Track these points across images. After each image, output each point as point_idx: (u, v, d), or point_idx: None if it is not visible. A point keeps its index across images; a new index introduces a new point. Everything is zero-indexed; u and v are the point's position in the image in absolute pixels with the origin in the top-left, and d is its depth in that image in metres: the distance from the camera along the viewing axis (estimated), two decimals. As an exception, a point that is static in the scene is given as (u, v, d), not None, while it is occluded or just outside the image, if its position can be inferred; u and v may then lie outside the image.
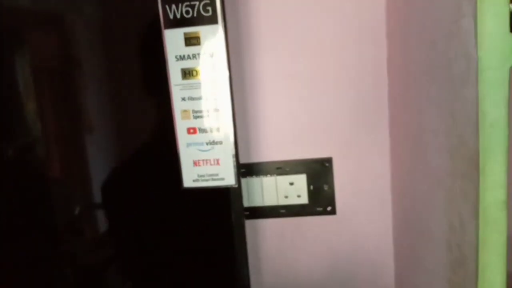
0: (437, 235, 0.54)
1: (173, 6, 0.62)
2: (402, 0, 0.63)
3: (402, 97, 0.68)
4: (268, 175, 0.81)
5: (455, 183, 0.47)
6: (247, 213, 0.82)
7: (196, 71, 0.63)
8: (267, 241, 0.83)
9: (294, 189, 0.81)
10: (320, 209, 0.81)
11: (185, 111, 0.65)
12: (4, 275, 0.75)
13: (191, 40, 0.63)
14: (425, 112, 0.55)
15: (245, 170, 0.81)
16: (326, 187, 0.80)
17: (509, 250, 0.73)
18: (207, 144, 0.65)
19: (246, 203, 0.82)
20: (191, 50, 0.63)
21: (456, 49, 0.43)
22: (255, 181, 0.81)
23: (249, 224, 0.82)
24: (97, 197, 0.73)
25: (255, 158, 0.81)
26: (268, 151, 0.80)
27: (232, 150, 0.65)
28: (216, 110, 0.64)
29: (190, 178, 0.66)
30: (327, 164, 0.79)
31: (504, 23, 0.39)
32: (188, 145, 0.65)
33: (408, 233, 0.71)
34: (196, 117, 0.65)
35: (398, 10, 0.66)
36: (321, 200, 0.80)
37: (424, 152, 0.57)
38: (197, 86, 0.64)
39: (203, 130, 0.65)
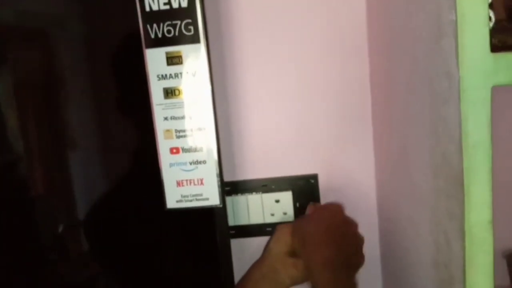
0: (424, 254, 0.53)
1: (155, 26, 0.61)
2: (383, 17, 0.63)
3: (385, 114, 0.68)
4: (254, 193, 0.80)
5: (440, 202, 0.46)
6: (233, 232, 0.80)
7: (179, 90, 0.63)
8: (254, 260, 0.81)
9: (280, 206, 0.80)
10: (306, 226, 0.79)
11: (167, 130, 0.64)
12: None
13: (173, 59, 0.62)
14: (409, 130, 0.55)
15: (230, 188, 0.79)
16: (312, 204, 0.79)
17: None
18: (190, 163, 0.64)
19: (231, 222, 0.80)
20: (173, 69, 0.62)
21: (437, 68, 0.43)
22: (240, 199, 0.80)
23: (235, 243, 0.81)
24: (80, 218, 0.71)
25: (240, 176, 0.80)
26: (253, 168, 0.79)
27: (216, 170, 0.64)
28: (200, 129, 0.63)
29: (174, 198, 0.65)
30: (312, 181, 0.79)
31: (484, 42, 0.39)
32: (171, 165, 0.64)
33: (395, 251, 0.70)
34: (179, 137, 0.64)
35: (380, 27, 0.66)
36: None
37: (409, 170, 0.57)
38: (180, 105, 0.63)
39: (186, 150, 0.64)
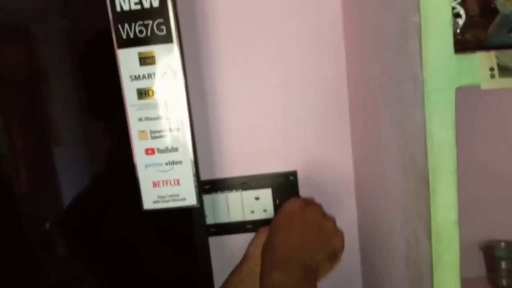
0: (396, 252, 0.54)
1: (126, 26, 0.60)
2: (357, 17, 0.63)
3: (361, 113, 0.68)
4: (233, 191, 0.80)
5: (409, 202, 0.47)
6: (213, 230, 0.80)
7: (152, 91, 0.62)
8: (234, 258, 0.82)
9: (260, 203, 0.80)
10: (286, 223, 0.80)
11: (142, 131, 0.63)
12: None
13: (146, 60, 0.61)
14: (381, 130, 0.55)
15: (210, 186, 0.79)
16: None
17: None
18: (166, 164, 0.64)
19: (212, 220, 0.80)
20: (146, 69, 0.61)
21: (404, 70, 0.43)
22: (220, 197, 0.80)
23: (215, 240, 0.81)
24: (57, 219, 0.70)
25: (219, 174, 0.79)
26: (233, 166, 0.79)
27: (192, 169, 0.64)
28: (175, 129, 0.63)
29: (150, 199, 0.65)
30: (292, 178, 0.79)
31: (448, 44, 0.39)
32: (147, 166, 0.64)
33: (372, 248, 0.71)
34: (154, 138, 0.63)
35: (355, 27, 0.66)
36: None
37: (383, 168, 0.57)
38: (154, 106, 0.62)
39: (161, 151, 0.63)
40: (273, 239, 0.61)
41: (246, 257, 0.65)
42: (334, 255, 0.60)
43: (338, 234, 0.61)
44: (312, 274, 0.57)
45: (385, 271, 0.62)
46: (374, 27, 0.54)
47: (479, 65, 0.38)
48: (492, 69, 0.38)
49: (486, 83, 0.38)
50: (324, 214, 0.62)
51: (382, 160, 0.57)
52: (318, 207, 0.64)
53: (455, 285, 0.42)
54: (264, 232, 0.65)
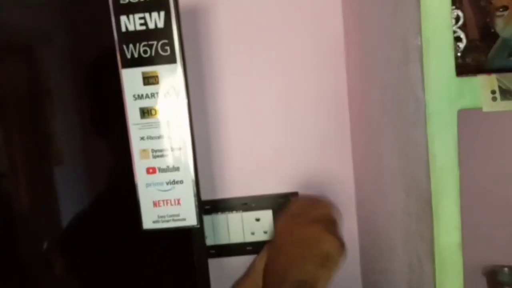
0: (399, 274, 0.53)
1: (131, 46, 0.61)
2: (358, 37, 0.64)
3: (362, 133, 0.68)
4: (234, 212, 0.79)
5: (411, 223, 0.46)
6: (213, 251, 0.80)
7: (155, 110, 0.62)
8: (234, 279, 0.81)
9: (261, 225, 0.79)
10: (287, 245, 0.79)
11: (144, 150, 0.63)
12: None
13: (150, 79, 0.62)
14: (383, 150, 0.55)
15: (210, 206, 0.79)
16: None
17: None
18: (167, 184, 0.64)
19: (211, 241, 0.80)
20: (150, 89, 0.62)
21: (406, 92, 0.44)
22: (220, 218, 0.79)
23: (215, 262, 0.80)
24: (57, 238, 0.70)
25: (220, 195, 0.79)
26: (233, 187, 0.79)
27: (193, 189, 0.63)
28: (176, 149, 0.63)
29: (150, 219, 0.64)
30: (293, 199, 0.78)
31: (449, 67, 0.39)
32: (148, 185, 0.64)
33: (373, 270, 0.70)
34: (155, 157, 0.63)
35: (356, 46, 0.67)
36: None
37: (385, 190, 0.57)
38: (156, 125, 0.62)
39: (163, 170, 0.63)
40: (268, 262, 0.61)
41: (251, 270, 0.65)
42: (326, 259, 0.57)
43: (327, 238, 0.58)
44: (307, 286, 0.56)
45: (387, 295, 0.61)
46: (375, 48, 0.54)
47: (481, 87, 0.39)
48: (493, 92, 0.39)
49: (488, 106, 0.39)
50: (309, 223, 0.60)
51: (384, 181, 0.56)
52: (299, 216, 0.62)
53: (459, 309, 0.41)
54: (268, 246, 0.65)
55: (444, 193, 0.40)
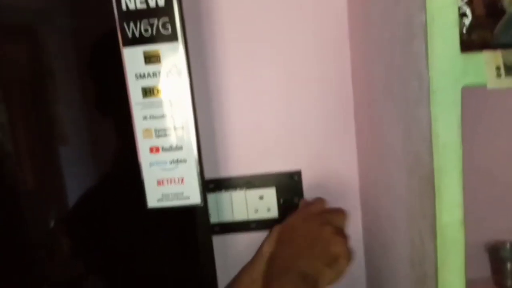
0: (401, 251, 0.54)
1: (131, 24, 0.60)
2: (363, 15, 0.63)
3: (365, 111, 0.68)
4: (238, 190, 0.80)
5: (414, 201, 0.47)
6: (217, 228, 0.81)
7: (157, 90, 0.62)
8: (238, 256, 0.82)
9: (264, 203, 0.80)
10: (290, 222, 0.80)
11: (147, 130, 0.63)
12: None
13: (151, 58, 0.61)
14: (386, 129, 0.55)
15: (214, 185, 0.79)
16: (296, 200, 0.79)
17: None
18: (170, 163, 0.64)
19: (215, 219, 0.80)
20: (151, 68, 0.62)
21: (410, 69, 0.43)
22: (224, 196, 0.80)
23: (219, 239, 0.81)
24: (62, 218, 0.71)
25: (223, 173, 0.80)
26: (237, 165, 0.79)
27: (196, 168, 0.64)
28: (179, 128, 0.63)
29: (155, 198, 0.65)
30: (296, 177, 0.79)
31: (454, 43, 0.39)
32: (151, 164, 0.64)
33: (376, 247, 0.71)
34: (158, 136, 0.63)
35: (360, 25, 0.66)
36: (291, 213, 0.80)
37: (387, 168, 0.57)
38: (159, 104, 0.62)
39: (166, 149, 0.64)
40: (276, 251, 0.63)
41: (259, 255, 0.65)
42: (334, 261, 0.58)
43: (338, 240, 0.60)
44: (311, 282, 0.57)
45: (389, 271, 0.62)
46: (379, 26, 0.53)
47: (485, 64, 0.38)
48: (498, 68, 0.38)
49: (492, 83, 0.38)
50: (325, 224, 0.62)
51: (387, 160, 0.56)
52: (318, 215, 0.65)
53: (460, 285, 0.42)
54: (277, 230, 0.65)
55: (447, 171, 0.40)
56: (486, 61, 0.38)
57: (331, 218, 0.64)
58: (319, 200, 0.69)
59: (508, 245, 0.75)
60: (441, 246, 0.41)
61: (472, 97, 0.43)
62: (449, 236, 0.41)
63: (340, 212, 0.65)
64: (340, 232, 0.61)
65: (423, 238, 0.45)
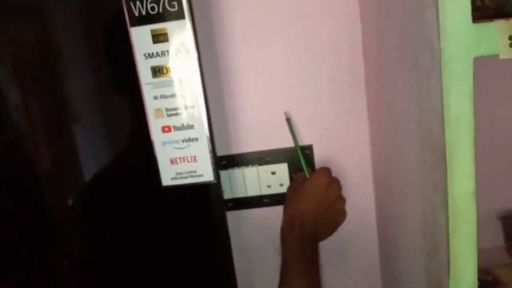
0: (413, 223, 0.54)
1: (138, 3, 0.60)
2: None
3: (377, 85, 0.67)
4: (250, 166, 0.80)
5: (426, 173, 0.47)
6: (231, 204, 0.82)
7: (167, 69, 0.62)
8: (253, 231, 0.83)
9: (276, 178, 0.81)
10: (303, 197, 0.80)
11: (158, 109, 0.64)
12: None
13: (159, 37, 0.61)
14: (397, 102, 0.54)
15: (226, 162, 0.80)
16: (308, 175, 0.80)
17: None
18: (183, 141, 0.65)
19: (229, 195, 0.82)
20: (160, 47, 0.61)
21: (421, 40, 0.42)
22: (236, 172, 0.81)
23: (233, 215, 0.83)
24: (77, 197, 0.72)
25: (235, 150, 0.80)
26: (248, 141, 0.80)
27: (208, 146, 0.64)
28: (190, 106, 0.63)
29: (169, 176, 0.66)
30: (307, 152, 0.79)
31: (466, 13, 0.38)
32: (164, 143, 0.65)
33: (388, 220, 0.71)
34: (169, 115, 0.64)
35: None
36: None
37: (399, 141, 0.57)
38: (169, 83, 0.63)
39: (178, 128, 0.64)
40: (300, 199, 0.70)
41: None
42: (335, 229, 0.71)
43: (343, 213, 0.71)
44: (317, 239, 0.69)
45: (402, 243, 0.63)
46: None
47: (498, 33, 0.37)
48: (511, 38, 0.37)
49: (506, 52, 0.37)
50: (339, 194, 0.71)
51: (399, 132, 0.56)
52: (338, 185, 0.71)
53: (471, 256, 0.42)
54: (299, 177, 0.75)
55: (459, 143, 0.40)
56: (499, 31, 0.37)
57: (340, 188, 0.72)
58: (327, 170, 0.72)
59: (521, 214, 0.75)
60: (452, 218, 0.41)
61: (487, 65, 0.42)
62: (461, 207, 0.41)
63: (338, 181, 0.73)
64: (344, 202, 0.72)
65: (435, 210, 0.45)
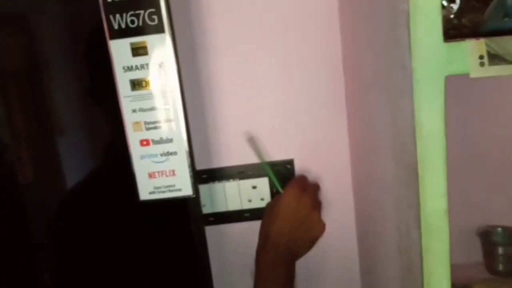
0: (389, 239, 0.54)
1: (117, 16, 0.60)
2: (352, 3, 0.62)
3: (356, 100, 0.67)
4: (231, 180, 0.80)
5: (401, 190, 0.47)
6: (211, 219, 0.81)
7: (146, 82, 0.62)
8: (233, 246, 0.83)
9: (257, 192, 0.80)
10: (284, 211, 0.80)
11: (136, 123, 0.63)
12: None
13: (138, 50, 0.61)
14: (374, 117, 0.55)
15: (207, 176, 0.80)
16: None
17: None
18: (161, 155, 0.64)
19: (209, 209, 0.81)
20: (139, 60, 0.61)
21: (394, 59, 0.43)
22: (217, 186, 0.80)
23: (214, 229, 0.82)
24: (54, 211, 0.71)
25: (216, 164, 0.80)
26: (229, 155, 0.79)
27: (187, 160, 0.64)
28: (169, 120, 0.63)
29: (146, 190, 0.65)
30: (288, 166, 0.79)
31: (437, 32, 0.38)
32: (142, 157, 0.64)
33: (368, 235, 0.71)
34: (148, 129, 0.63)
35: (349, 13, 0.65)
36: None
37: (376, 156, 0.57)
38: (148, 97, 0.62)
39: (156, 142, 0.64)
40: (273, 219, 0.67)
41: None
42: (313, 242, 0.67)
43: (321, 224, 0.67)
44: (293, 258, 0.66)
45: (380, 259, 0.63)
46: (366, 13, 0.53)
47: (469, 53, 0.38)
48: (481, 57, 0.38)
49: (476, 72, 0.38)
50: (314, 205, 0.67)
51: (377, 149, 0.56)
52: (310, 196, 0.67)
53: (444, 273, 0.42)
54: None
55: (431, 161, 0.40)
56: (470, 50, 0.38)
57: (316, 197, 0.70)
58: (298, 182, 0.70)
59: (499, 230, 0.76)
60: (425, 235, 0.42)
61: (460, 83, 0.43)
62: (434, 225, 0.41)
63: (317, 186, 0.72)
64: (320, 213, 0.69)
65: (409, 227, 0.45)
